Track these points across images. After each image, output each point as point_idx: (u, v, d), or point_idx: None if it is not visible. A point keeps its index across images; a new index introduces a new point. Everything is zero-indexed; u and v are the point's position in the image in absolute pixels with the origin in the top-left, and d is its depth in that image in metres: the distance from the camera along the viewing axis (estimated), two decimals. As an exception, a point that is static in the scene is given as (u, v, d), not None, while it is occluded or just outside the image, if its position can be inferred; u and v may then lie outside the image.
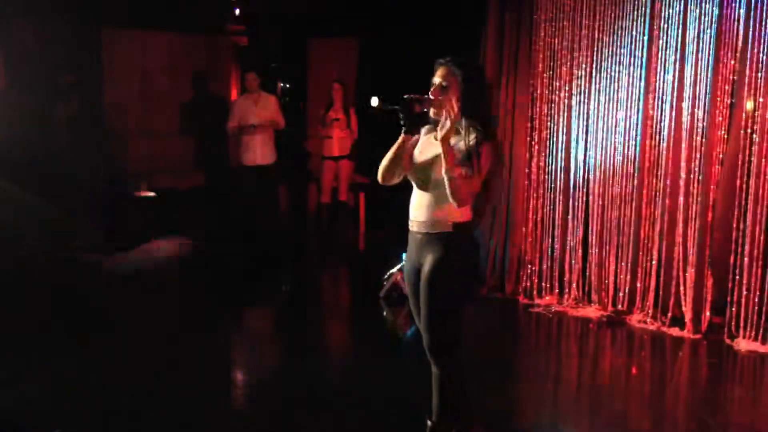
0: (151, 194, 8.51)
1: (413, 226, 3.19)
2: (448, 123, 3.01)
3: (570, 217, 6.02)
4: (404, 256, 6.05)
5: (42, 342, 4.92)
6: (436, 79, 3.13)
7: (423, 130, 3.24)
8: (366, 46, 9.05)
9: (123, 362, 4.66)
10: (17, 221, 6.82)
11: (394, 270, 6.22)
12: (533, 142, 6.18)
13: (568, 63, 5.98)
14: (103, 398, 4.07)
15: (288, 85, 9.61)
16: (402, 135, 3.10)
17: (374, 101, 3.10)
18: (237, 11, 9.05)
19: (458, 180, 2.95)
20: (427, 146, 3.18)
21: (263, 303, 6.43)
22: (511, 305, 6.09)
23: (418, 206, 3.16)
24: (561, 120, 6.04)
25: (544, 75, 6.10)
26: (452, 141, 3.05)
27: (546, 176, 6.13)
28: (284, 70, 9.49)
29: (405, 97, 3.04)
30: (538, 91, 6.13)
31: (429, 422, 3.29)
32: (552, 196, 6.12)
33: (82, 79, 7.95)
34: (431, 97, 3.10)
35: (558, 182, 6.08)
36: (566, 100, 6.01)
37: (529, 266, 6.20)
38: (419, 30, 7.65)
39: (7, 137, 7.74)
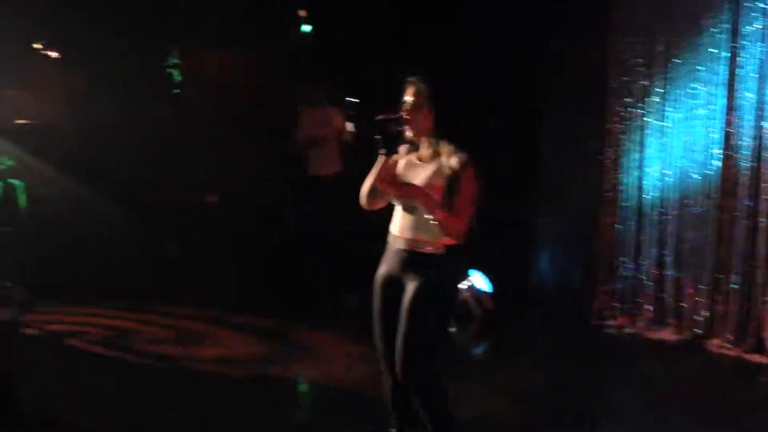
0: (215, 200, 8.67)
1: (397, 243, 3.10)
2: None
3: (645, 237, 5.90)
4: (470, 272, 6.14)
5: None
6: (407, 98, 3.07)
7: (403, 150, 3.20)
8: (429, 60, 9.00)
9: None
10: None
11: (462, 285, 6.19)
12: (606, 160, 6.08)
13: (643, 80, 5.87)
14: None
15: (353, 98, 9.66)
16: (379, 158, 3.07)
17: (349, 126, 3.06)
18: (305, 26, 9.14)
19: (446, 219, 2.91)
20: (408, 167, 3.12)
21: (320, 313, 6.44)
22: (582, 326, 5.99)
23: (404, 225, 3.09)
24: (635, 138, 5.93)
25: (618, 92, 5.99)
26: (433, 165, 3.02)
27: (619, 195, 6.02)
28: (350, 82, 9.52)
29: (378, 118, 3.02)
30: (611, 108, 6.03)
31: None
32: (626, 215, 6.00)
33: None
34: (405, 116, 3.04)
35: (632, 201, 5.96)
36: (641, 118, 5.90)
37: (602, 286, 6.10)
38: (482, 46, 7.56)
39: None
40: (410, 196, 3.00)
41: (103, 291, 6.53)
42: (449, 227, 2.93)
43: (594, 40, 6.09)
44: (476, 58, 7.00)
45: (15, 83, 7.81)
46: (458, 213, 2.93)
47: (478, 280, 6.19)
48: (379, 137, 3.01)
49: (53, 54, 8.54)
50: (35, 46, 8.40)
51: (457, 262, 3.09)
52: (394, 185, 3.02)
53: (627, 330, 5.83)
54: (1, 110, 7.02)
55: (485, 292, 6.22)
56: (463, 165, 2.95)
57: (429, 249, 3.01)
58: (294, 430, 4.04)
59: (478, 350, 6.00)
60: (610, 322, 5.97)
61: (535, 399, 4.53)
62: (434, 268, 3.01)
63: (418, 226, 3.03)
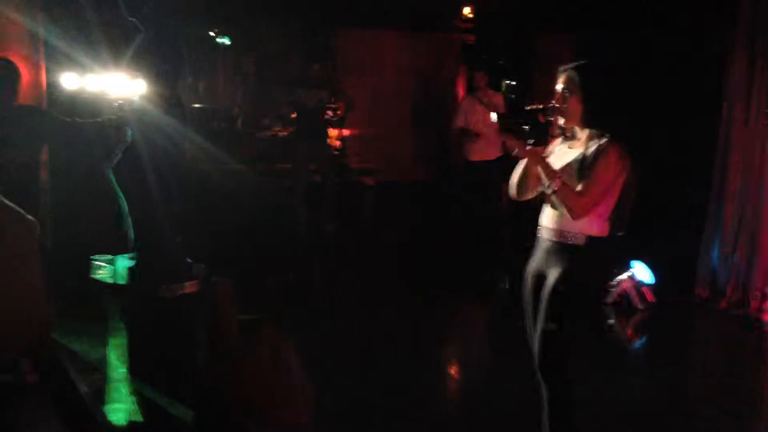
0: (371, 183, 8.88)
1: (543, 232, 3.08)
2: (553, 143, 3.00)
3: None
4: (632, 263, 5.94)
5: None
6: (557, 87, 3.03)
7: (557, 141, 3.15)
8: (593, 43, 8.72)
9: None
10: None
11: (623, 276, 6.00)
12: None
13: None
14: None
15: (513, 82, 9.54)
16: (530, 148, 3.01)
17: (493, 116, 3.06)
18: (465, 9, 9.13)
19: (561, 195, 2.87)
20: (560, 156, 3.07)
21: (476, 298, 6.44)
22: (756, 324, 5.62)
23: (550, 214, 3.05)
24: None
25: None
26: (576, 151, 2.98)
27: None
28: (510, 67, 9.43)
29: (528, 108, 3.00)
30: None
31: None
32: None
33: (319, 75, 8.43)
34: (555, 105, 3.00)
35: (817, 191, 5.52)
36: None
37: (779, 283, 5.70)
38: (652, 27, 7.21)
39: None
40: (526, 155, 2.99)
41: (270, 266, 6.87)
42: (567, 201, 2.88)
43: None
44: (656, 38, 6.76)
45: (191, 69, 8.34)
46: (582, 193, 2.89)
47: (640, 271, 5.97)
48: (527, 128, 3.00)
49: (226, 41, 9.04)
50: (210, 33, 8.93)
51: (600, 254, 3.00)
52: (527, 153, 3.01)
53: (807, 331, 5.43)
54: (181, 95, 7.48)
55: (648, 284, 6.00)
56: (601, 149, 2.90)
57: (571, 240, 2.97)
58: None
59: (639, 344, 5.80)
60: (788, 322, 5.59)
61: (697, 399, 4.33)
62: (575, 260, 2.96)
63: (562, 216, 2.99)
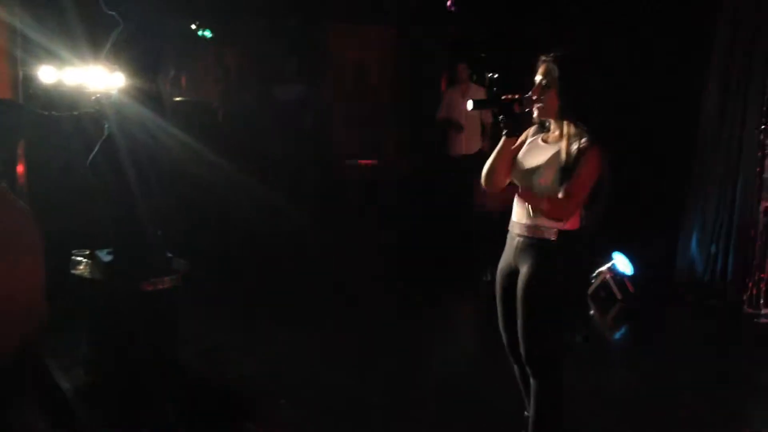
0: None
1: (513, 227, 3.03)
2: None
3: (808, 221, 5.51)
4: (613, 254, 5.98)
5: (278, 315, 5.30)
6: (537, 78, 2.93)
7: (531, 131, 3.07)
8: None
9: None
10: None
11: (602, 268, 6.05)
12: (766, 137, 5.70)
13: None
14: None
15: (495, 75, 9.53)
16: (503, 138, 2.96)
17: (469, 104, 3.00)
18: (449, 2, 9.11)
19: (549, 208, 2.82)
20: (533, 149, 2.99)
21: (461, 293, 6.45)
22: (734, 314, 5.68)
23: (521, 209, 2.99)
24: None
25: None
26: (553, 146, 2.91)
27: (781, 176, 5.64)
28: (492, 59, 9.42)
29: (503, 97, 2.91)
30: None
31: None
32: (788, 197, 5.62)
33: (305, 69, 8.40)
34: (533, 96, 2.92)
35: (794, 183, 5.57)
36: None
37: (757, 272, 5.75)
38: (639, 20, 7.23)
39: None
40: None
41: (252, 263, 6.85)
42: (553, 213, 2.85)
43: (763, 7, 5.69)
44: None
45: (173, 62, 8.28)
46: (568, 196, 2.82)
47: (620, 262, 6.02)
48: (502, 117, 2.93)
49: (207, 33, 8.99)
50: (191, 26, 8.87)
51: (573, 248, 2.94)
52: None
53: (784, 321, 5.49)
54: (161, 89, 7.40)
55: (627, 275, 6.05)
56: (583, 149, 2.83)
57: (542, 235, 2.91)
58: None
59: (619, 335, 5.85)
60: (765, 312, 5.64)
61: (678, 388, 4.37)
62: (546, 256, 2.91)
63: (534, 211, 2.94)
